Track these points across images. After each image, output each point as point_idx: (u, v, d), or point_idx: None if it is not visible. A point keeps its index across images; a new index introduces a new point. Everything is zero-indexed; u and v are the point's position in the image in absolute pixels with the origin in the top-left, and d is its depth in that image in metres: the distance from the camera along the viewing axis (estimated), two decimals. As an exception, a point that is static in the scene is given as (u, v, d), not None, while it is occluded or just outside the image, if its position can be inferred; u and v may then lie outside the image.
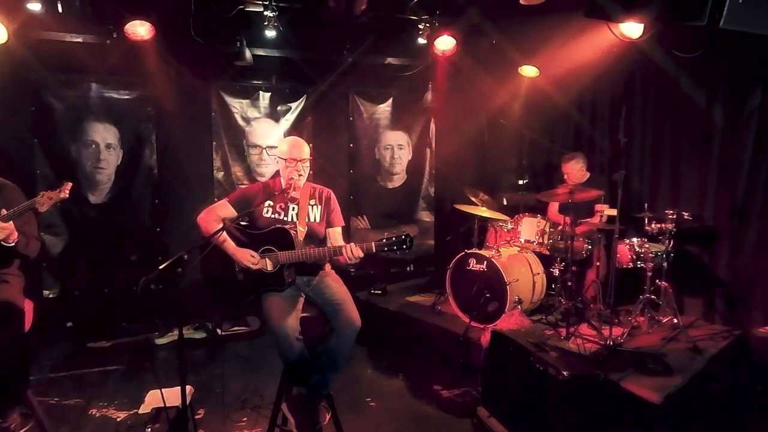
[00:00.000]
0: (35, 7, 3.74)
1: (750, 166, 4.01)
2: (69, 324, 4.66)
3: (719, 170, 4.23)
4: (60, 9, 3.84)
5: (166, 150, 4.97)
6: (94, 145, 4.76)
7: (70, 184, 2.64)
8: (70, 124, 4.67)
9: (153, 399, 2.83)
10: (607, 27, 3.98)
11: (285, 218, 2.78)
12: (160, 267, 2.14)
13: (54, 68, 4.50)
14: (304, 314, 2.66)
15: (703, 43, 3.89)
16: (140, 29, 4.07)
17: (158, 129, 4.94)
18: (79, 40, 4.34)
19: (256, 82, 5.26)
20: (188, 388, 2.61)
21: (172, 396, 2.63)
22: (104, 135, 4.78)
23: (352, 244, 2.50)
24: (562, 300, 4.11)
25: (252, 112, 5.28)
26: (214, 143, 5.16)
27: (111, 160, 4.83)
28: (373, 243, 2.49)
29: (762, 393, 3.20)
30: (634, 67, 4.70)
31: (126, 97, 4.84)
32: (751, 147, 3.99)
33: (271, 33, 4.29)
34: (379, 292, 5.02)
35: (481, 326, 3.83)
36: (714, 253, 4.23)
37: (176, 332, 4.45)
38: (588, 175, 4.43)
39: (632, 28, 3.85)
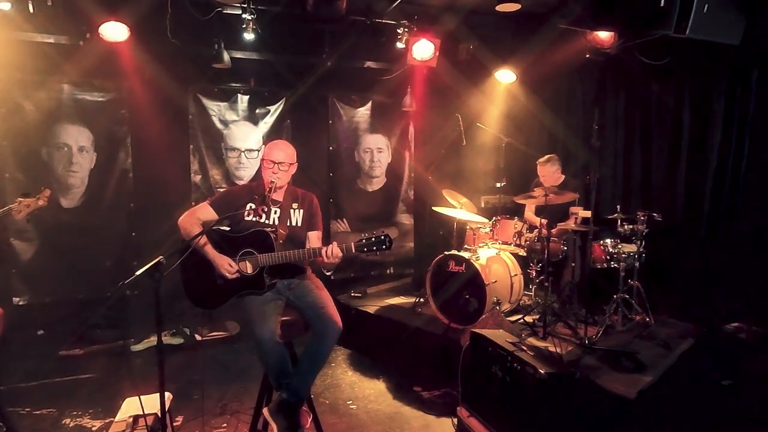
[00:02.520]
0: (5, 6, 3.65)
1: (716, 168, 4.18)
2: (40, 332, 4.51)
3: (687, 173, 4.40)
4: (31, 9, 3.75)
5: (141, 153, 4.88)
6: (66, 148, 4.64)
7: (49, 191, 2.58)
8: (40, 126, 4.54)
9: (130, 406, 2.78)
10: (580, 35, 4.12)
11: (266, 221, 2.78)
12: (138, 272, 2.11)
13: (24, 69, 4.37)
14: (285, 318, 2.65)
15: (670, 50, 4.05)
16: (115, 31, 4.00)
17: (133, 132, 4.85)
18: (51, 40, 4.24)
19: (234, 84, 5.22)
20: (166, 394, 2.58)
21: (149, 403, 2.59)
22: (77, 137, 4.67)
23: (333, 243, 2.51)
24: (539, 300, 4.20)
25: (230, 115, 5.23)
26: (191, 146, 5.10)
27: (84, 163, 4.72)
28: (352, 243, 2.50)
29: (729, 387, 3.32)
30: (605, 74, 4.84)
31: (99, 99, 4.74)
32: (717, 151, 4.16)
33: (249, 36, 4.27)
34: (360, 294, 5.03)
35: (461, 327, 3.88)
36: (683, 252, 4.39)
37: (152, 338, 4.37)
38: (562, 177, 4.54)
39: (604, 36, 3.98)
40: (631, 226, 3.89)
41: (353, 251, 2.51)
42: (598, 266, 3.99)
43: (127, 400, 2.87)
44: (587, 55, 4.51)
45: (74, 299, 4.68)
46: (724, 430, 2.94)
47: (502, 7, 3.85)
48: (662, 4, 2.69)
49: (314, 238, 2.87)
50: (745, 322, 3.78)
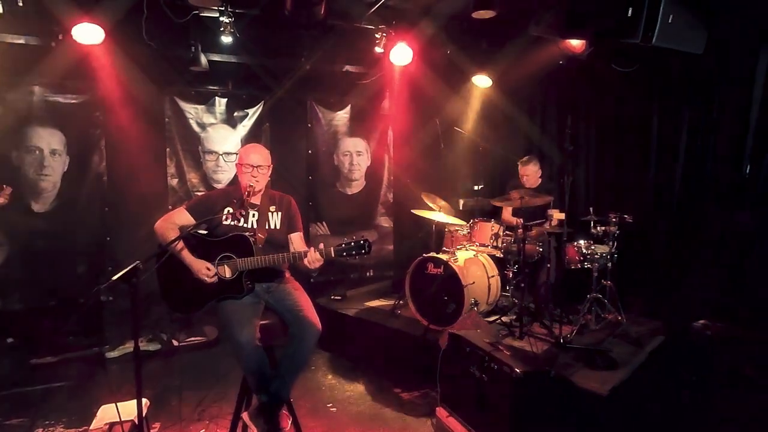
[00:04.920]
0: (-27, 6, 3.56)
1: (682, 171, 4.34)
2: (10, 340, 4.38)
3: (657, 175, 4.55)
4: (0, 9, 3.66)
5: (116, 156, 4.79)
6: (37, 151, 4.53)
7: (10, 188, 2.52)
8: (10, 129, 4.41)
9: (105, 414, 2.74)
10: (554, 42, 4.23)
11: (245, 225, 2.77)
12: (114, 277, 2.09)
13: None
14: (264, 321, 2.66)
15: (639, 58, 4.20)
16: (89, 32, 3.93)
17: (108, 135, 4.76)
18: (22, 41, 4.14)
19: (211, 87, 5.17)
20: (143, 401, 2.55)
21: (125, 410, 2.57)
22: (49, 141, 4.56)
23: (311, 249, 2.53)
24: (516, 301, 4.28)
25: (208, 118, 5.18)
26: (168, 149, 5.03)
27: (56, 166, 4.61)
28: (332, 248, 2.53)
29: (695, 382, 3.45)
30: (578, 79, 4.97)
31: (72, 101, 4.63)
32: (684, 154, 4.32)
33: (227, 39, 4.24)
34: (339, 297, 5.03)
35: (440, 328, 3.92)
36: (653, 253, 4.53)
37: (128, 345, 4.29)
38: (540, 179, 4.64)
39: (576, 44, 4.10)
40: (603, 228, 4.01)
41: (333, 256, 2.54)
42: (573, 267, 4.09)
43: (102, 407, 2.83)
44: (560, 62, 4.64)
45: (46, 306, 4.56)
46: (691, 424, 3.06)
47: (477, 14, 3.93)
48: (629, 14, 2.79)
49: (297, 239, 2.88)
50: (711, 320, 3.92)
